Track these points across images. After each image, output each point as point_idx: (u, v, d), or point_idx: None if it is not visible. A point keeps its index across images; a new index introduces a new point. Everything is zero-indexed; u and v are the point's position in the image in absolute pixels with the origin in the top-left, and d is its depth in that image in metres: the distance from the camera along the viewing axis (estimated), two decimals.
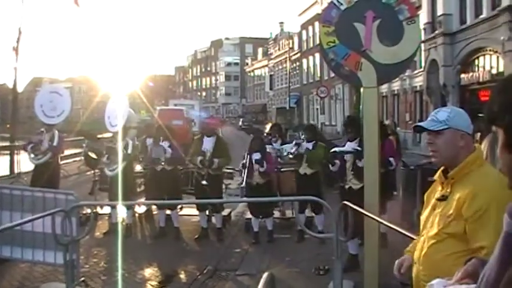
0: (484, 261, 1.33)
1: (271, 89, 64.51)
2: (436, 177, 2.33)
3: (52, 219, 4.75)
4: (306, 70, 51.18)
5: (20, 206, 5.59)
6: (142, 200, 8.64)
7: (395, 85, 29.00)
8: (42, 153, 8.21)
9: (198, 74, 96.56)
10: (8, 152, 16.96)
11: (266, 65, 68.20)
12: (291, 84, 53.05)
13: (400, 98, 29.94)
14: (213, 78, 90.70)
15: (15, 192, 5.80)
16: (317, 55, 42.61)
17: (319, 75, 44.97)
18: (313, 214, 7.52)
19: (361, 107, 5.43)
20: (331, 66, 5.26)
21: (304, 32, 50.46)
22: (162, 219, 8.01)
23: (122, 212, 8.14)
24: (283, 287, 5.35)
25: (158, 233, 7.99)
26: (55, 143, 8.28)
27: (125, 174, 7.71)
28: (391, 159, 6.67)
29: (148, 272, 6.36)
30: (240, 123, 56.01)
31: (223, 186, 8.76)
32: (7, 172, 15.84)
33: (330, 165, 6.49)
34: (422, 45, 22.10)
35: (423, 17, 23.56)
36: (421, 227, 2.34)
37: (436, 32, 23.33)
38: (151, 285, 5.90)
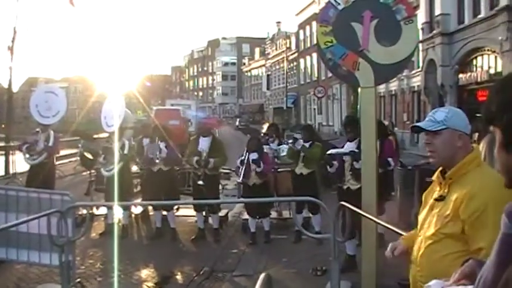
0: (482, 263, 1.33)
1: (268, 89, 64.54)
2: (434, 177, 2.33)
3: (47, 220, 4.72)
4: (303, 70, 51.22)
5: (15, 206, 5.56)
6: (139, 200, 8.62)
7: (393, 85, 29.00)
8: (38, 153, 8.18)
9: (195, 73, 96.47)
10: (3, 152, 16.84)
11: (263, 65, 68.22)
12: (288, 84, 53.07)
13: (398, 98, 29.92)
14: (210, 78, 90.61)
15: (10, 193, 5.77)
16: (314, 55, 42.66)
17: (316, 75, 45.02)
18: (311, 214, 7.51)
19: (358, 107, 5.41)
20: (329, 66, 5.25)
21: (301, 31, 50.49)
22: (159, 219, 7.98)
23: (118, 213, 8.11)
24: (280, 287, 5.33)
25: (155, 233, 7.97)
26: (50, 143, 8.25)
27: (122, 175, 7.68)
28: (389, 159, 6.66)
29: (145, 273, 6.34)
30: (237, 123, 55.85)
31: (220, 187, 8.74)
32: (2, 172, 15.81)
33: (328, 167, 6.47)
34: (420, 45, 22.08)
35: (421, 16, 23.54)
36: (419, 227, 2.33)
37: (434, 31, 23.33)
38: (147, 286, 5.88)
